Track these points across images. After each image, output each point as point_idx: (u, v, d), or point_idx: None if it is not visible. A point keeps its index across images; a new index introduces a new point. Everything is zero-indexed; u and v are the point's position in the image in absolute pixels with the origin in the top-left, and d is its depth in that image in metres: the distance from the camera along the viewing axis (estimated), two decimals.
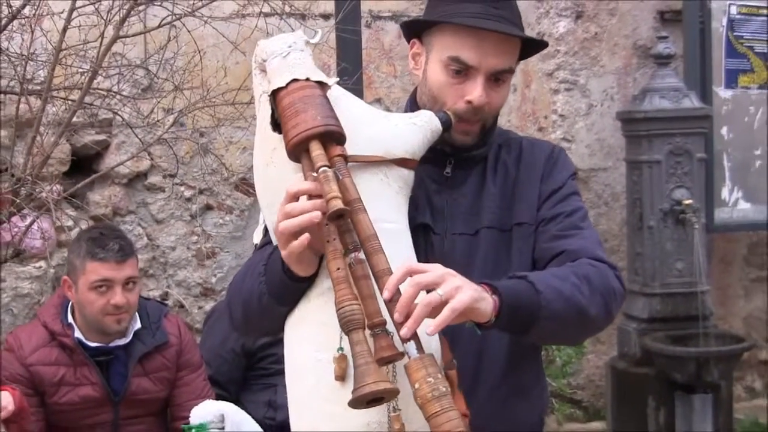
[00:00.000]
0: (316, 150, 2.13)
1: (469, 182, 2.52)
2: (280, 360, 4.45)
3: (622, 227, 6.77)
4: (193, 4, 4.58)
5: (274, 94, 2.25)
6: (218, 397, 4.17)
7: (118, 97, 4.95)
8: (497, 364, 2.44)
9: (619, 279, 2.40)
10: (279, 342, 4.43)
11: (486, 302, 2.09)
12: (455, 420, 1.90)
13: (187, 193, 6.21)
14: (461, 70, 2.40)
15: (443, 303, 2.00)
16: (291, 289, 2.26)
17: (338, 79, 2.36)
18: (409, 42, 2.58)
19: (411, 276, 2.03)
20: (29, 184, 4.25)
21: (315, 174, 2.11)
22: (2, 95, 4.83)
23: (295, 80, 2.23)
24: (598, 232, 2.72)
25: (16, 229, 4.54)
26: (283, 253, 2.16)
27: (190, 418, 3.79)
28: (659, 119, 6.16)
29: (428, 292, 2.03)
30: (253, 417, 4.07)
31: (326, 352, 2.13)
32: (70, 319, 4.00)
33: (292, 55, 2.28)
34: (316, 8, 5.59)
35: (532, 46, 2.57)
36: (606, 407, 6.58)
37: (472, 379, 2.38)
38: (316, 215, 2.06)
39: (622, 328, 6.26)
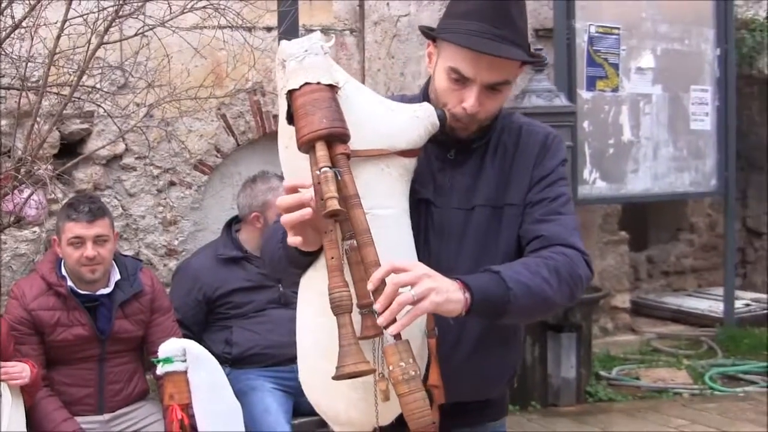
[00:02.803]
0: (320, 150, 2.04)
1: (469, 163, 2.36)
2: (235, 306, 4.53)
3: None
4: (163, 16, 4.57)
5: (290, 94, 2.14)
6: (185, 336, 4.18)
7: (100, 92, 4.93)
8: (479, 324, 2.29)
9: (587, 264, 2.28)
10: (233, 292, 4.51)
11: (456, 302, 1.99)
12: (420, 401, 1.90)
13: (155, 172, 6.18)
14: (460, 79, 2.25)
15: (416, 302, 1.93)
16: (301, 259, 2.19)
17: (347, 82, 2.20)
18: (427, 40, 2.41)
19: (394, 272, 1.96)
20: (28, 164, 4.23)
21: (318, 172, 2.02)
22: (5, 91, 4.79)
23: (307, 83, 2.11)
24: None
25: (17, 200, 4.51)
26: (289, 240, 2.10)
27: (158, 353, 3.82)
28: (535, 114, 6.16)
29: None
30: (213, 352, 4.10)
31: (324, 317, 2.05)
32: (63, 272, 4.01)
33: (307, 59, 2.14)
34: (260, 22, 5.56)
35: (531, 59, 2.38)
36: None
37: (455, 340, 2.29)
38: (307, 212, 2.00)
39: None
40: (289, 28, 5.34)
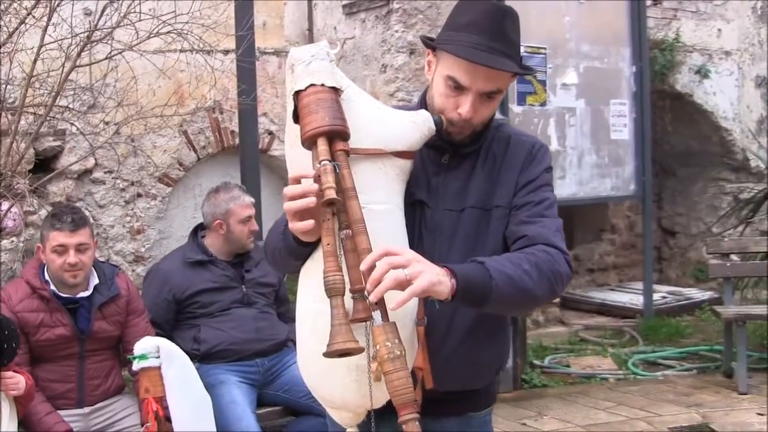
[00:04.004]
0: (322, 146, 2.04)
1: (462, 168, 2.34)
2: (202, 306, 4.56)
3: None
4: (131, 41, 4.60)
5: (296, 95, 2.14)
6: (157, 335, 4.20)
7: (72, 112, 4.95)
8: (468, 318, 2.27)
9: (567, 263, 2.23)
10: (200, 293, 4.54)
11: (443, 285, 1.96)
12: (403, 379, 1.89)
13: (123, 185, 6.22)
14: (457, 87, 2.24)
15: (407, 281, 1.90)
16: (299, 249, 2.18)
17: (348, 86, 2.22)
18: (427, 49, 2.38)
19: (386, 255, 1.93)
20: (8, 179, 4.23)
21: (318, 165, 2.02)
22: None
23: (312, 85, 2.12)
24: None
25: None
26: (290, 226, 2.10)
27: (134, 350, 3.85)
28: None
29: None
30: (182, 348, 4.11)
31: (321, 303, 2.02)
32: (46, 276, 4.00)
33: (313, 63, 2.15)
34: (219, 45, 5.61)
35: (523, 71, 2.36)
36: None
37: (445, 331, 2.27)
38: (311, 200, 2.01)
39: None
40: (245, 50, 5.40)
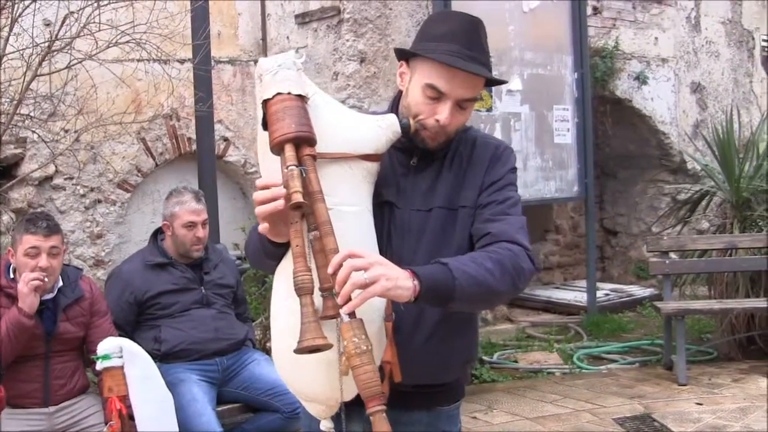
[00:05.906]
0: (289, 151, 2.07)
1: (429, 170, 2.36)
2: (162, 307, 4.58)
3: None
4: (90, 51, 4.62)
5: (265, 103, 2.16)
6: (120, 336, 4.21)
7: (33, 120, 4.94)
8: (436, 313, 2.28)
9: (530, 258, 2.24)
10: (161, 294, 4.55)
11: (402, 290, 1.98)
12: (369, 373, 1.91)
13: (82, 191, 6.20)
14: (435, 96, 2.25)
15: (367, 284, 1.93)
16: (273, 250, 2.20)
17: (315, 93, 2.23)
18: (399, 61, 2.39)
19: (349, 258, 1.96)
20: None
21: (286, 170, 2.04)
22: None
23: (279, 93, 2.14)
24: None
25: None
26: (260, 229, 2.13)
27: (97, 350, 3.86)
28: None
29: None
30: (144, 348, 4.13)
31: (292, 301, 2.04)
32: (11, 276, 4.00)
33: (280, 73, 2.17)
34: (176, 55, 5.63)
35: (495, 80, 2.40)
36: None
37: (413, 326, 2.28)
38: (279, 204, 2.03)
39: None
40: (202, 59, 5.42)
